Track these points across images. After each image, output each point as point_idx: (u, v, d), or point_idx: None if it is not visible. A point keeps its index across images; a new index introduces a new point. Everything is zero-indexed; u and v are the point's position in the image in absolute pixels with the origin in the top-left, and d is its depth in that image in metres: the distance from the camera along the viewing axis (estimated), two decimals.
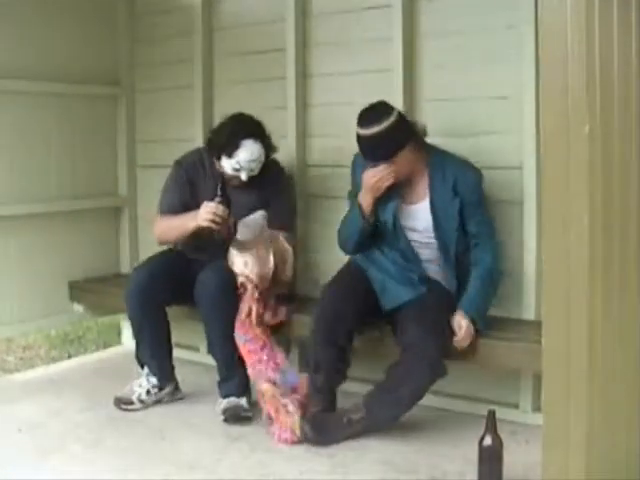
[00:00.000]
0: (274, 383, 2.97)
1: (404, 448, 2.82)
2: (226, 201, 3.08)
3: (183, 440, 2.92)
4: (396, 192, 2.92)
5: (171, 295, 3.24)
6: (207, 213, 3.04)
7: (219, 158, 3.21)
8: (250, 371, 3.04)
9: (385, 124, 2.77)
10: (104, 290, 3.92)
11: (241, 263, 3.16)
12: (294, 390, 2.98)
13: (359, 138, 2.82)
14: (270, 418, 2.94)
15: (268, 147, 3.23)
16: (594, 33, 1.83)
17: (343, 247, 3.10)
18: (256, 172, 3.20)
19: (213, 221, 3.04)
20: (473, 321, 2.84)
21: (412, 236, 2.96)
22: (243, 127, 3.18)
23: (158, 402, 3.26)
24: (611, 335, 1.98)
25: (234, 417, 3.06)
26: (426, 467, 2.68)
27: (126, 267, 4.17)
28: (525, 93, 2.98)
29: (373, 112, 2.82)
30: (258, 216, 3.28)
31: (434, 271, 3.00)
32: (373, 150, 2.82)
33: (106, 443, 2.89)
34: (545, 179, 1.93)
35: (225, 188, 3.11)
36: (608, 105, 1.90)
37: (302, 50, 3.58)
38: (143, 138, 4.16)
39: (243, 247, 3.19)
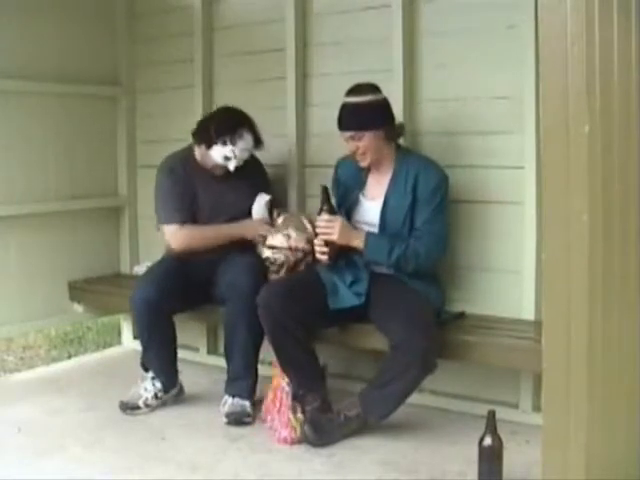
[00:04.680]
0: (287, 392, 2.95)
1: (404, 448, 2.82)
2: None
3: (183, 440, 2.92)
4: (359, 187, 3.03)
5: (180, 304, 3.21)
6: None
7: (209, 147, 3.22)
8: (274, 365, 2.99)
9: (370, 97, 2.90)
10: (104, 290, 3.92)
11: (283, 239, 3.12)
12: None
13: (342, 106, 2.94)
14: (269, 417, 2.96)
15: (258, 140, 3.29)
16: (594, 33, 1.84)
17: None
18: (241, 163, 3.24)
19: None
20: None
21: (367, 229, 2.98)
22: (239, 117, 3.26)
23: (163, 404, 3.24)
24: (611, 335, 1.98)
25: (237, 421, 3.05)
26: (426, 467, 2.68)
27: (126, 267, 4.17)
28: (525, 93, 2.98)
29: (362, 86, 2.95)
30: (263, 202, 3.33)
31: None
32: (349, 117, 2.91)
33: (106, 443, 2.89)
34: (545, 179, 1.93)
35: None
36: (608, 105, 1.90)
37: (302, 50, 3.58)
38: (143, 138, 4.16)
39: (276, 229, 3.18)
